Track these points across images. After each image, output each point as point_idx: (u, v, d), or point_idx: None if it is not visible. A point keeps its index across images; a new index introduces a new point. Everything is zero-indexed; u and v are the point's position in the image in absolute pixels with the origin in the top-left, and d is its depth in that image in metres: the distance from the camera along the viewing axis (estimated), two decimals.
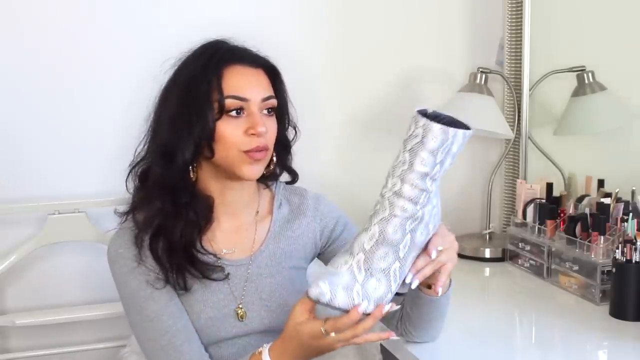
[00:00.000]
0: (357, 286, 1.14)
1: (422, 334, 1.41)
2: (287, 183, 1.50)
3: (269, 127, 1.33)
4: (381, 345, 1.55)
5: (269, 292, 1.39)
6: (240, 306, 1.37)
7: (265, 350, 1.24)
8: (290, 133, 1.46)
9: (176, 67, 1.36)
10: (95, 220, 1.87)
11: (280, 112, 1.39)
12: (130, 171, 1.38)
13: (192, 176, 1.34)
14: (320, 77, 2.07)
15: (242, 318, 1.37)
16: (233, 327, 1.36)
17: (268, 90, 1.35)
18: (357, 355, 1.56)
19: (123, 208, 1.39)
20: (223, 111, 1.29)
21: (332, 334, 1.17)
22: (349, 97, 2.10)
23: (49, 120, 1.87)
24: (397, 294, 1.20)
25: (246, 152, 1.30)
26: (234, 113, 1.30)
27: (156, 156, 1.34)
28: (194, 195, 1.34)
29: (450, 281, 1.35)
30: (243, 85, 1.31)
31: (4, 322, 1.82)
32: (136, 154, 1.38)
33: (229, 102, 1.30)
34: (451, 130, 1.13)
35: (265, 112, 1.34)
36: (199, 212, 1.34)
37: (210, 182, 1.36)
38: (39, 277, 1.91)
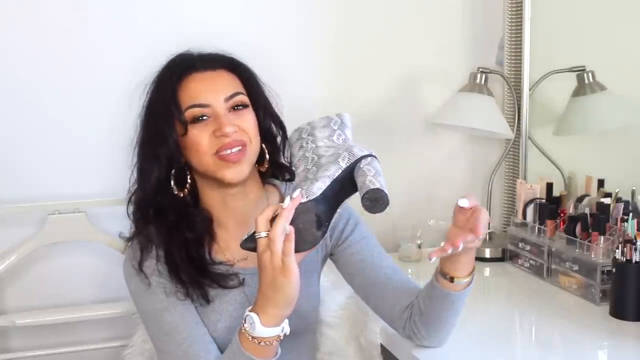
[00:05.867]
0: None
1: (432, 333, 1.37)
2: (287, 181, 1.49)
3: (240, 124, 1.31)
4: (381, 345, 1.55)
5: None
6: None
7: (246, 311, 1.22)
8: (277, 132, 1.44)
9: (147, 90, 1.38)
10: (95, 220, 1.87)
11: (255, 105, 1.37)
12: (130, 199, 1.39)
13: (181, 194, 1.34)
14: (320, 78, 2.07)
15: None
16: None
17: (231, 88, 1.33)
18: (357, 355, 1.56)
19: (128, 232, 1.40)
20: (187, 126, 1.30)
21: (263, 234, 1.16)
22: (349, 98, 2.10)
23: (49, 120, 1.87)
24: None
25: (218, 154, 1.29)
26: (198, 120, 1.30)
27: (137, 181, 1.37)
28: (187, 213, 1.35)
29: (472, 280, 1.32)
30: (201, 91, 1.31)
31: (4, 322, 1.82)
32: (131, 182, 1.39)
33: (190, 112, 1.30)
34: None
35: (233, 110, 1.32)
36: (198, 229, 1.34)
37: (209, 194, 1.37)
38: (39, 277, 1.91)
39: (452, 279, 1.29)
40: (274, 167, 1.44)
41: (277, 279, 1.16)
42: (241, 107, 1.33)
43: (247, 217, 1.38)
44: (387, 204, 1.19)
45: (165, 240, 1.33)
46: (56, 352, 1.89)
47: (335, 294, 1.59)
